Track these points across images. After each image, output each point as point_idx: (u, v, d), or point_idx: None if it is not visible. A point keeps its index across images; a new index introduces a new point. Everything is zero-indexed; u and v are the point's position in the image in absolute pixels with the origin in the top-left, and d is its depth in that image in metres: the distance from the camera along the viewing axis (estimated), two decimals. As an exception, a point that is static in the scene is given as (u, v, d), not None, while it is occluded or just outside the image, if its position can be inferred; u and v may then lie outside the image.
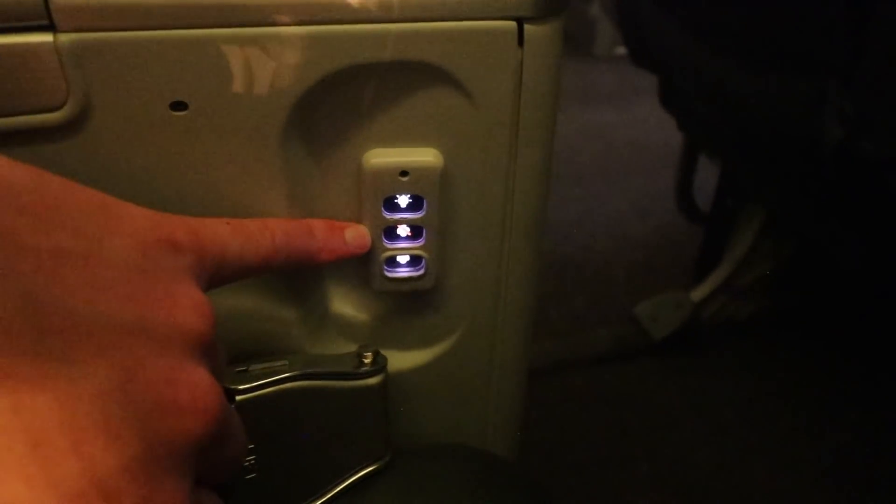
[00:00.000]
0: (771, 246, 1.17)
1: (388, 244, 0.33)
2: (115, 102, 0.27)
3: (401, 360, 0.36)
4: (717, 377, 1.15)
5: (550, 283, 1.32)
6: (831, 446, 1.03)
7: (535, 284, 0.37)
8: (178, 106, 0.28)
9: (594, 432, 1.06)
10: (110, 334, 0.18)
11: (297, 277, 0.33)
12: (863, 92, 0.68)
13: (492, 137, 0.31)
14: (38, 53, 0.25)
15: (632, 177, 1.67)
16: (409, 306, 0.36)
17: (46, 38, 0.25)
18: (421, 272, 0.33)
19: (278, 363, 0.30)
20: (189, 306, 0.20)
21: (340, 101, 0.29)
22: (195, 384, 0.19)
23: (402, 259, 0.33)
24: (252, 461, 0.30)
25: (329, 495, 0.32)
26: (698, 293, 1.20)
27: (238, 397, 0.29)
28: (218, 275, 0.24)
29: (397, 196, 0.31)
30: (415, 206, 0.32)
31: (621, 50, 2.07)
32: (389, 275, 0.33)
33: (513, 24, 0.29)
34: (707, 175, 1.23)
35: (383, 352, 0.33)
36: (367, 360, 0.32)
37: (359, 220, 0.32)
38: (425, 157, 0.31)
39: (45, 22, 0.25)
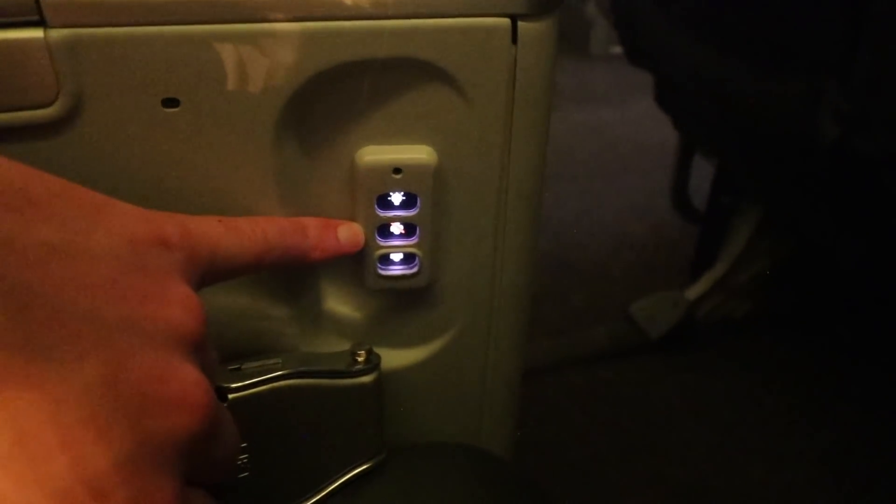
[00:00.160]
0: (766, 244, 1.18)
1: (381, 242, 0.32)
2: (106, 99, 0.27)
3: (395, 358, 0.36)
4: (714, 375, 1.15)
5: (547, 282, 1.32)
6: (827, 443, 1.03)
7: (530, 282, 0.36)
8: (170, 103, 0.27)
9: (591, 430, 1.06)
10: (98, 331, 0.18)
11: (291, 275, 0.33)
12: (859, 90, 0.68)
13: (485, 134, 0.31)
14: (29, 49, 0.25)
15: (628, 175, 1.67)
16: (402, 304, 0.36)
17: (37, 33, 0.25)
18: (414, 270, 0.33)
19: (271, 361, 0.30)
20: (178, 303, 0.20)
21: (333, 98, 0.29)
22: (184, 381, 0.19)
23: (396, 257, 0.33)
24: (245, 460, 0.30)
25: (323, 493, 0.32)
26: (694, 292, 1.21)
27: (231, 395, 0.28)
28: (210, 273, 0.24)
29: (391, 193, 0.31)
30: (408, 203, 0.32)
31: (617, 49, 2.06)
32: (383, 273, 0.33)
33: (506, 20, 0.28)
34: (703, 174, 1.23)
35: (377, 350, 0.33)
36: (360, 359, 0.32)
37: (352, 218, 0.32)
38: (419, 154, 0.31)
39: (35, 17, 0.25)
